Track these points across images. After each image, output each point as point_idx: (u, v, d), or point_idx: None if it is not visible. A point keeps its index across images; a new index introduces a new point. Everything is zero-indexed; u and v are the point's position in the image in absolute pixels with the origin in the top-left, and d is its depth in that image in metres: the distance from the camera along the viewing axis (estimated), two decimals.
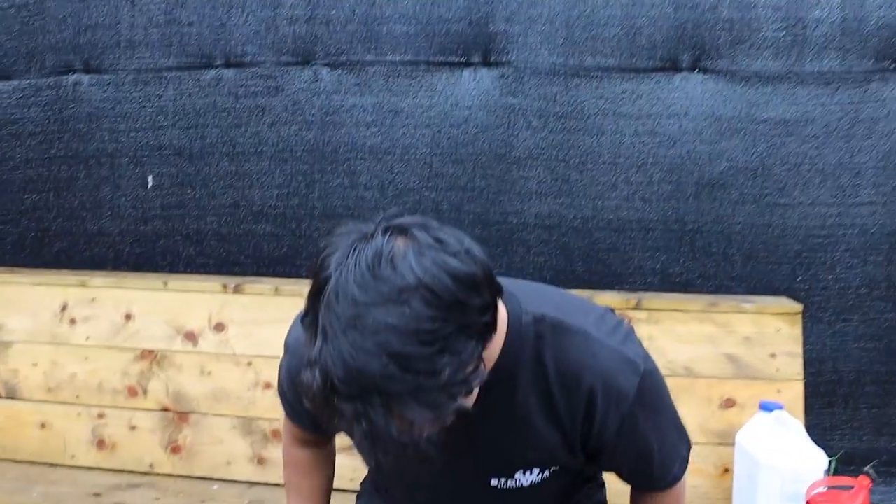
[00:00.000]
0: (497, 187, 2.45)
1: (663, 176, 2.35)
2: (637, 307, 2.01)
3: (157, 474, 2.15)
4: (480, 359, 0.85)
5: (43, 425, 2.24)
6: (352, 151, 2.50)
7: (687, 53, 2.31)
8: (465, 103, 2.43)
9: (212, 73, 2.56)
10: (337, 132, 2.51)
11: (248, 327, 2.17)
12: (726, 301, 2.05)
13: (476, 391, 0.87)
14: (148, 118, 2.60)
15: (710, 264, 2.34)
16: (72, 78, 2.64)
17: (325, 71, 2.50)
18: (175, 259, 2.61)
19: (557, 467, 1.11)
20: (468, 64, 2.42)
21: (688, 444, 1.19)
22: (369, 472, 1.34)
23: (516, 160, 2.42)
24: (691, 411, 1.88)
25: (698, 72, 2.31)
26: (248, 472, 2.15)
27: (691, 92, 2.31)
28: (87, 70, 2.63)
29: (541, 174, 2.41)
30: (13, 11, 2.66)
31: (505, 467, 1.10)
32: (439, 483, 1.13)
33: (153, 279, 2.32)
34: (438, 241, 0.83)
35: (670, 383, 1.14)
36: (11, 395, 2.26)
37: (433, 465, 0.92)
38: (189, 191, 2.59)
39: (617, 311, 2.03)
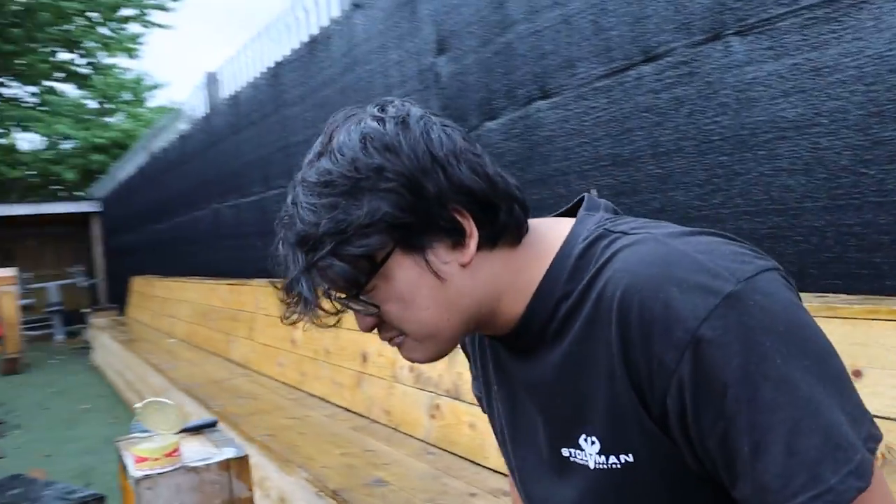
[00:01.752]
0: None
1: None
2: None
3: None
4: (384, 231, 0.79)
5: (472, 426, 2.45)
6: (771, 131, 2.02)
7: None
8: None
9: (633, 73, 2.42)
10: (753, 110, 2.07)
11: None
12: None
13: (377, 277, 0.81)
14: (588, 131, 2.61)
15: None
16: (534, 106, 2.84)
17: (735, 41, 2.10)
18: None
19: (630, 457, 0.79)
20: None
21: (853, 468, 0.65)
22: None
23: None
24: None
25: None
26: None
27: None
28: (544, 96, 2.79)
29: None
30: (492, 57, 3.03)
31: (565, 429, 0.87)
32: (536, 466, 0.95)
33: None
34: (381, 109, 0.84)
35: None
36: (455, 395, 2.55)
37: (522, 438, 0.94)
38: (623, 199, 2.49)
39: None
